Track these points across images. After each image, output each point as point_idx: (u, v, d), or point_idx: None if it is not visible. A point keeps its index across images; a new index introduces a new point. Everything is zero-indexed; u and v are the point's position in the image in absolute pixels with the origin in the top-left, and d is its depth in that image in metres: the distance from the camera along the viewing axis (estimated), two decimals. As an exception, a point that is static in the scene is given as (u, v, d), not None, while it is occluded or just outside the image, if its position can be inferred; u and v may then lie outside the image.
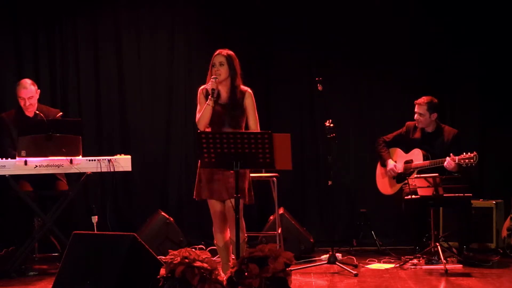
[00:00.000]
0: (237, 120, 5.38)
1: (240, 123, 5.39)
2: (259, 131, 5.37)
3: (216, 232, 5.50)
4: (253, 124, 5.43)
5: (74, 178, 6.55)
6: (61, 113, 6.80)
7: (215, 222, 5.49)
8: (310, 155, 8.00)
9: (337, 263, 6.29)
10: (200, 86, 5.51)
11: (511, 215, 6.98)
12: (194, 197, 5.56)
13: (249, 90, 5.46)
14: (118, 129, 8.01)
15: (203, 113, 5.34)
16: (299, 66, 8.02)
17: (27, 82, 6.62)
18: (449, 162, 6.42)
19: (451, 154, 6.43)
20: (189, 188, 7.98)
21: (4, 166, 5.99)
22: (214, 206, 5.46)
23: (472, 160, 6.31)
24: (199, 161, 5.19)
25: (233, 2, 7.95)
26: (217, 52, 5.46)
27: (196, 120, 5.42)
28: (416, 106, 6.82)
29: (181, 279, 4.47)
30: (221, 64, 5.39)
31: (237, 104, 5.38)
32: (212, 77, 5.36)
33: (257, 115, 5.45)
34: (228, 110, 5.37)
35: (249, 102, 5.43)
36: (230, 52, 5.45)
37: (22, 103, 6.59)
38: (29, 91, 6.58)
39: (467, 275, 6.01)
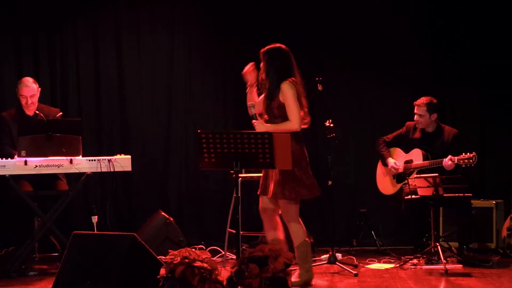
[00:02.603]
0: (282, 116, 5.44)
1: (283, 117, 5.44)
2: (294, 120, 5.38)
3: (267, 230, 5.60)
4: (290, 114, 5.42)
5: (74, 178, 6.54)
6: (61, 113, 6.80)
7: (263, 220, 5.60)
8: (310, 155, 7.98)
9: (337, 263, 6.30)
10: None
11: (511, 215, 6.98)
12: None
13: (284, 82, 5.44)
14: (118, 129, 8.01)
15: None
16: (299, 66, 7.98)
17: (29, 81, 6.63)
18: (447, 162, 6.42)
19: (449, 154, 6.44)
20: (189, 188, 8.00)
21: (4, 166, 5.99)
22: (262, 202, 5.57)
23: (471, 161, 6.31)
24: None
25: (233, 2, 7.94)
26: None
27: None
28: (416, 107, 6.81)
29: (181, 279, 4.48)
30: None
31: (272, 101, 5.45)
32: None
33: (293, 104, 5.40)
34: (267, 104, 5.49)
35: (284, 95, 5.43)
36: (264, 50, 5.54)
37: (23, 102, 6.60)
38: (31, 89, 6.59)
39: (467, 275, 6.01)
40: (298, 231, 5.52)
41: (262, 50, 5.56)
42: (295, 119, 5.39)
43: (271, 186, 5.46)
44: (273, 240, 5.53)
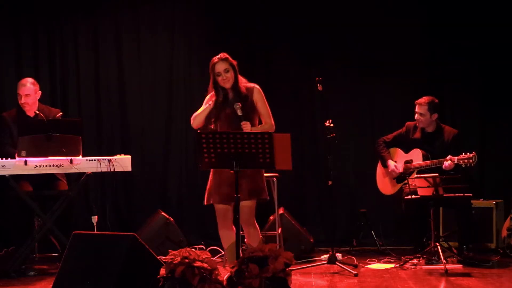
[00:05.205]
0: (249, 118, 5.32)
1: (252, 120, 5.36)
2: (273, 123, 5.38)
3: (223, 236, 5.51)
4: (267, 117, 5.41)
5: (74, 178, 6.55)
6: (61, 113, 6.81)
7: (221, 225, 5.48)
8: (310, 155, 8.00)
9: (337, 263, 6.29)
10: (208, 94, 5.46)
11: (511, 215, 6.98)
12: (204, 203, 5.48)
13: (256, 86, 5.45)
14: (118, 129, 8.01)
15: (202, 111, 5.36)
16: (299, 66, 8.02)
17: (27, 80, 6.64)
18: (446, 162, 6.43)
19: (449, 155, 6.45)
20: (189, 188, 8.00)
21: (4, 166, 5.99)
22: (219, 210, 5.44)
23: (471, 161, 6.31)
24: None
25: (233, 2, 7.94)
26: (215, 60, 5.35)
27: (193, 117, 5.40)
28: (417, 106, 6.81)
29: (181, 279, 4.47)
30: (226, 71, 5.33)
31: (245, 102, 5.34)
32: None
33: (268, 108, 5.43)
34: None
35: (258, 98, 5.42)
36: (226, 55, 5.39)
37: (20, 101, 6.61)
38: (27, 89, 6.59)
39: (467, 275, 6.01)
40: (257, 233, 5.48)
41: (226, 56, 5.39)
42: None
43: (245, 187, 5.28)
44: (227, 238, 5.48)
